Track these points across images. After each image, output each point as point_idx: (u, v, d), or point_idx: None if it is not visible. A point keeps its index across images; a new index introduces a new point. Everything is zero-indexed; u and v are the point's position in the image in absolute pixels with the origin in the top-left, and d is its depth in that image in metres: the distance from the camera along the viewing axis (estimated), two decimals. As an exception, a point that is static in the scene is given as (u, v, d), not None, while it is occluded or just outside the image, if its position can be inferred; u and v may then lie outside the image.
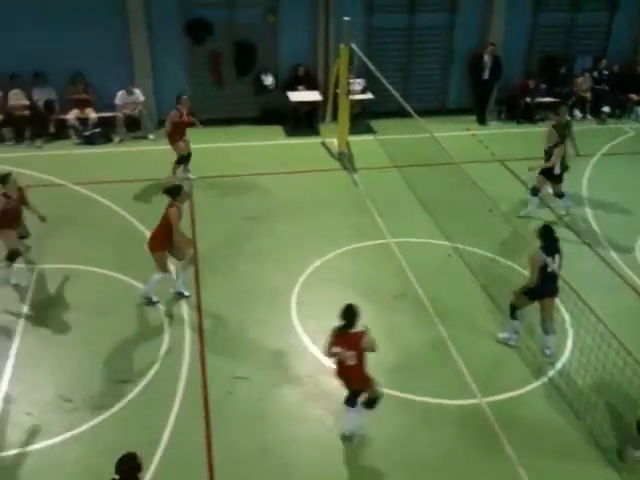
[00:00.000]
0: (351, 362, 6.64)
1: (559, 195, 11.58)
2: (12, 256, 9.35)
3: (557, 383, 8.05)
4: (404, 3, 15.55)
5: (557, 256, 7.97)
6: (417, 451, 7.12)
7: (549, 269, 7.81)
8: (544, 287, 8.05)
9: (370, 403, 7.04)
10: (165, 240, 8.84)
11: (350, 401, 6.99)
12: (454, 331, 8.82)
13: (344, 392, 7.45)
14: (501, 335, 8.70)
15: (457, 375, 8.10)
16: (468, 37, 16.06)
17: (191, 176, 12.83)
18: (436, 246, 10.82)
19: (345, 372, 6.80)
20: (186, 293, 9.37)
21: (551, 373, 8.20)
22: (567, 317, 8.97)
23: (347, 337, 6.59)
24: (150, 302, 9.18)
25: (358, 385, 6.89)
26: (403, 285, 9.74)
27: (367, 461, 7.01)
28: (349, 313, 6.59)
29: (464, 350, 8.48)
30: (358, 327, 6.60)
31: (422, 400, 7.71)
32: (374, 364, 8.14)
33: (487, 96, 16.24)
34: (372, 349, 6.65)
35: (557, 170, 11.14)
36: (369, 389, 6.96)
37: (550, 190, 11.59)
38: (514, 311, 8.45)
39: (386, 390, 7.75)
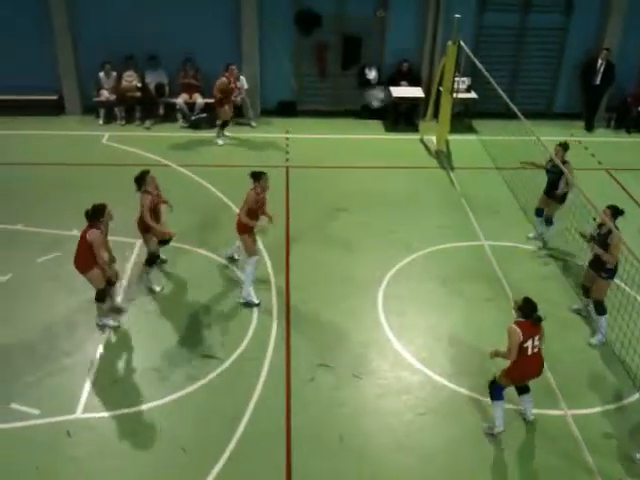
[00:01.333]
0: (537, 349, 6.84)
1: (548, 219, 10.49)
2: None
3: (651, 401, 7.72)
4: (518, 2, 15.18)
5: None
6: (496, 456, 6.98)
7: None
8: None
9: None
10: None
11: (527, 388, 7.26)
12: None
13: (425, 388, 7.48)
14: (595, 340, 8.61)
15: (543, 384, 7.87)
16: (582, 40, 15.50)
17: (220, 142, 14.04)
18: (532, 252, 10.54)
19: (539, 359, 6.94)
20: (236, 255, 9.81)
21: (644, 391, 7.87)
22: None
23: (536, 326, 6.76)
24: (251, 304, 9.05)
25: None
26: (494, 289, 9.55)
27: (439, 460, 6.95)
28: (531, 304, 6.77)
29: (553, 360, 8.21)
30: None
31: (505, 407, 7.54)
32: (460, 366, 8.10)
33: (597, 102, 15.63)
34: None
35: (560, 190, 10.07)
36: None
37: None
38: (602, 304, 8.51)
39: (469, 393, 7.71)
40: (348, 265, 10.00)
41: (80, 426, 7.12)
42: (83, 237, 8.13)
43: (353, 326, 8.80)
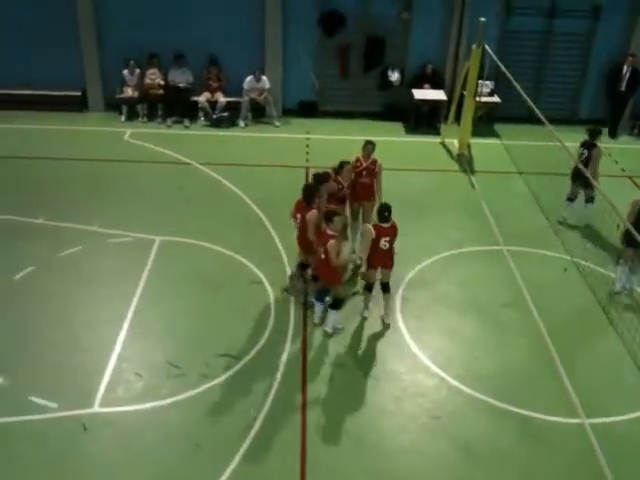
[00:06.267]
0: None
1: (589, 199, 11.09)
2: None
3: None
4: (544, 7, 15.05)
5: None
6: (507, 464, 6.92)
7: None
8: None
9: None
10: None
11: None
12: (563, 346, 8.49)
13: (441, 392, 7.45)
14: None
15: (561, 391, 7.79)
16: (608, 46, 15.33)
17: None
18: (553, 258, 10.43)
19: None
20: None
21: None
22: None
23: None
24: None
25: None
26: (513, 294, 9.47)
27: (453, 464, 6.90)
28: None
29: (572, 366, 8.15)
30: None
31: (520, 412, 7.48)
32: (476, 370, 8.03)
33: (622, 109, 15.47)
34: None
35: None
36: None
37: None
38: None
39: (485, 398, 7.65)
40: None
41: (97, 420, 7.16)
42: (304, 219, 8.47)
43: (370, 328, 8.76)
